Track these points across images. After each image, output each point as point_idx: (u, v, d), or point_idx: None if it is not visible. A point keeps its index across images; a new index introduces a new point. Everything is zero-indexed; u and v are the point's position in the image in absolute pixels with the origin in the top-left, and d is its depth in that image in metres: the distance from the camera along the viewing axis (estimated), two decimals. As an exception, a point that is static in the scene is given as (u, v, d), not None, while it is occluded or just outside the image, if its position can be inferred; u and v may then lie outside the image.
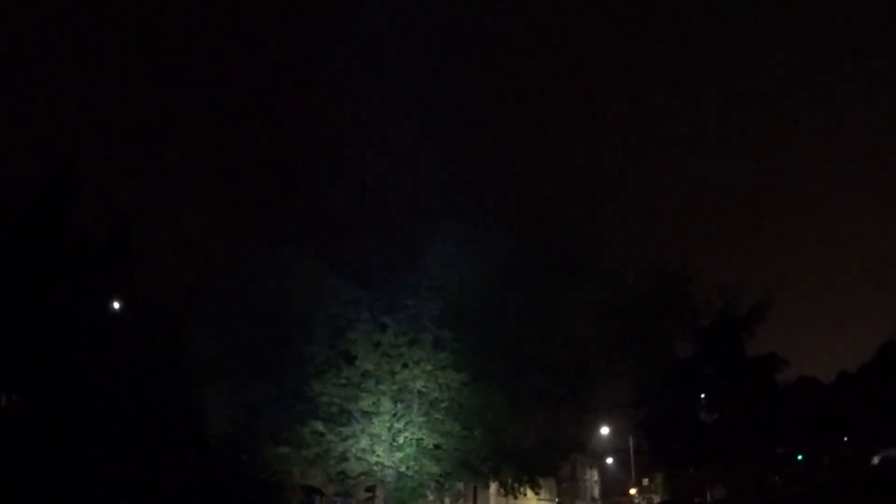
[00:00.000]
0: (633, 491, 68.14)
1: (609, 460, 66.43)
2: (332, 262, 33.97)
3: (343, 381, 32.84)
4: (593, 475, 70.75)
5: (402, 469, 35.73)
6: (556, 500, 62.94)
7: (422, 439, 34.70)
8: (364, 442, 34.06)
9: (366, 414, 33.55)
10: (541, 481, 44.29)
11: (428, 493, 39.81)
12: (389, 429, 33.92)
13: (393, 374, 33.10)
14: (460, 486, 42.11)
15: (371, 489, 43.94)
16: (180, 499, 35.98)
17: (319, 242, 34.60)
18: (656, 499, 63.97)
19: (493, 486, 45.17)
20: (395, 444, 34.39)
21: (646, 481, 68.25)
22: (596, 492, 71.36)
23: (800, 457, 51.82)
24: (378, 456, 35.04)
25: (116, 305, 37.45)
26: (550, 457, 42.98)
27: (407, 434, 34.25)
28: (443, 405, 34.76)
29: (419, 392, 33.83)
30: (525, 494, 44.20)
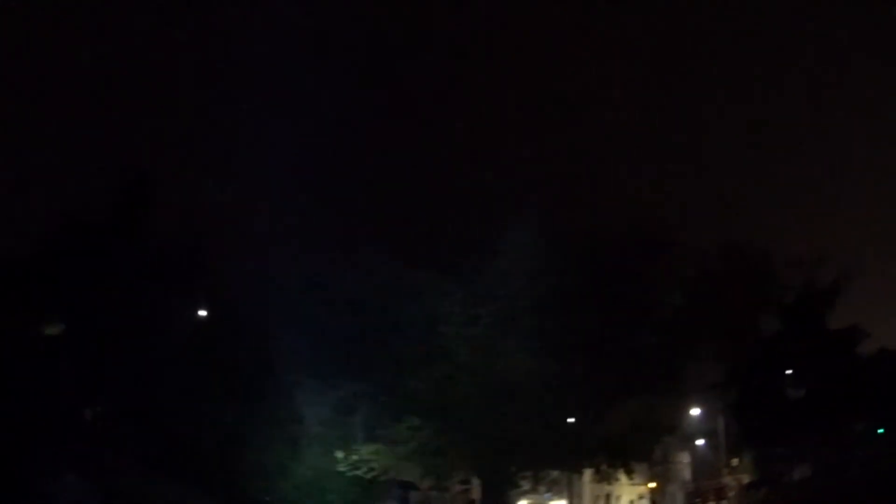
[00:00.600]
0: (723, 472, 67.17)
1: (699, 442, 65.55)
2: (417, 258, 33.77)
3: (437, 375, 32.63)
4: (684, 458, 69.75)
5: (497, 460, 35.71)
6: (650, 483, 62.45)
7: (516, 430, 34.49)
8: (462, 435, 33.99)
9: (461, 407, 33.35)
10: (634, 466, 43.75)
11: (523, 482, 39.69)
12: (485, 420, 33.74)
13: (487, 366, 32.82)
14: (555, 474, 41.82)
15: (466, 482, 44.05)
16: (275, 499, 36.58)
17: (400, 238, 34.57)
18: (745, 479, 62.89)
19: (588, 473, 44.91)
20: (490, 435, 34.24)
21: (735, 462, 67.18)
22: (687, 474, 70.48)
23: (881, 430, 50.41)
24: (473, 449, 35.06)
25: (203, 313, 38.01)
26: (643, 442, 42.26)
27: (504, 426, 34.02)
28: (536, 395, 34.39)
29: (513, 382, 33.47)
30: (619, 479, 43.81)
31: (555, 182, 36.35)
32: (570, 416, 38.28)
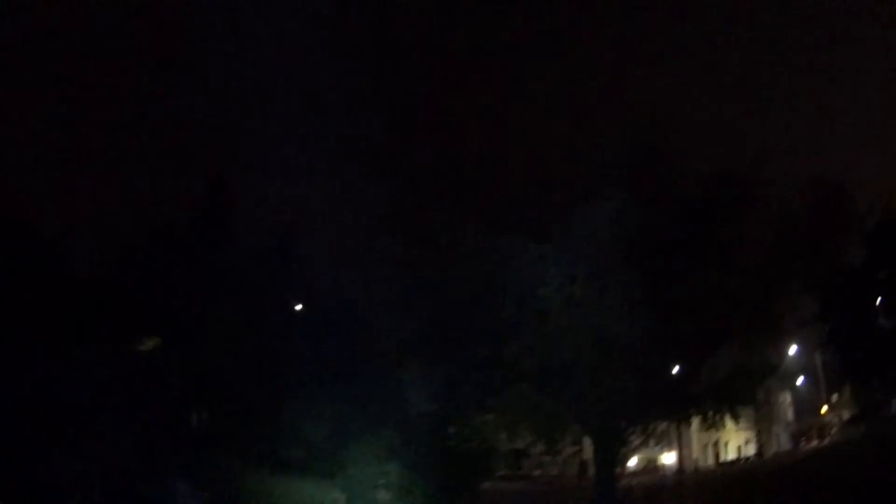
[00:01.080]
0: (824, 409, 66.30)
1: (799, 381, 64.71)
2: (506, 226, 33.82)
3: (540, 339, 32.63)
4: (786, 398, 68.90)
5: (606, 418, 35.65)
6: (755, 427, 61.90)
7: (621, 385, 34.36)
8: (569, 396, 33.99)
9: (566, 368, 33.32)
10: (739, 410, 43.37)
11: (633, 438, 39.54)
12: (592, 379, 33.68)
13: (588, 324, 32.72)
14: (663, 426, 41.53)
15: (576, 443, 44.06)
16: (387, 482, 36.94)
17: (487, 209, 34.65)
18: (846, 415, 61.97)
19: (695, 422, 44.59)
20: (598, 393, 34.17)
21: (835, 398, 66.28)
22: (790, 414, 69.69)
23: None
24: (582, 409, 35.04)
25: (298, 307, 38.53)
26: (746, 384, 41.74)
27: (609, 383, 33.92)
28: (638, 348, 34.21)
29: (615, 338, 33.33)
30: (725, 426, 43.47)
31: (635, 132, 35.54)
32: (674, 366, 38.09)
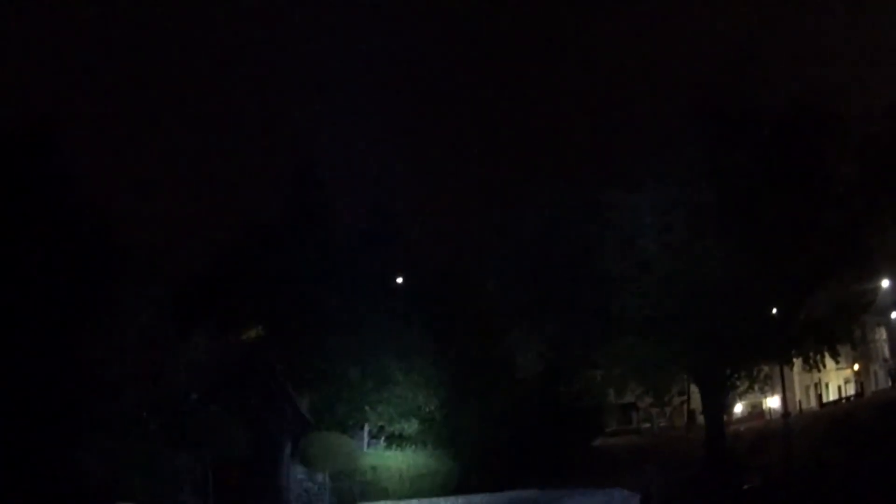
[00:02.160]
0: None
1: (893, 315, 63.93)
2: (600, 179, 34.05)
3: (643, 289, 32.81)
4: (881, 334, 68.16)
5: (712, 364, 35.71)
6: (854, 366, 61.29)
7: (725, 330, 34.35)
8: (675, 345, 34.15)
9: (671, 317, 33.44)
10: (838, 349, 43.08)
11: (738, 383, 39.55)
12: (696, 326, 33.72)
13: (689, 271, 32.80)
14: (766, 369, 41.45)
15: (682, 393, 44.17)
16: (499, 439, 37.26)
17: (580, 163, 34.88)
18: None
19: (797, 365, 44.40)
20: (703, 340, 34.22)
21: (928, 331, 65.31)
22: (886, 351, 68.89)
23: None
24: (689, 357, 35.16)
25: (399, 280, 39.11)
26: (844, 322, 41.44)
27: (713, 329, 33.89)
28: (738, 291, 34.21)
29: (716, 283, 33.36)
30: (825, 366, 43.21)
31: (712, 72, 35.49)
32: (772, 308, 38.04)
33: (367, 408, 36.66)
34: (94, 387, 29.91)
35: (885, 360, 67.46)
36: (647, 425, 54.56)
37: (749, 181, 34.34)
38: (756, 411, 55.93)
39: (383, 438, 37.11)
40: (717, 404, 38.29)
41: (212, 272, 40.28)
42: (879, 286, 51.87)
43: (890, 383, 62.35)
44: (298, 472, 34.62)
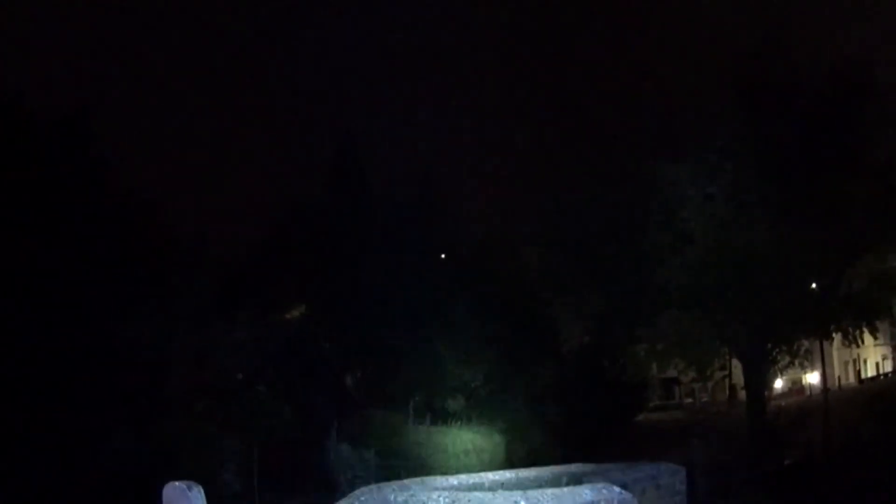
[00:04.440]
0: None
1: (930, 291, 63.65)
2: (642, 151, 34.17)
3: (686, 262, 32.91)
4: (920, 310, 67.89)
5: (754, 339, 35.77)
6: (891, 343, 61.17)
7: (767, 304, 34.42)
8: (717, 319, 34.26)
9: (713, 290, 33.54)
10: (877, 325, 43.02)
11: (779, 357, 39.60)
12: (738, 299, 33.85)
13: (731, 243, 32.89)
14: (806, 344, 41.47)
15: (725, 367, 44.20)
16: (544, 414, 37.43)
17: (621, 136, 34.93)
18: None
19: (836, 340, 44.39)
20: (745, 314, 34.31)
21: (965, 308, 64.94)
22: (924, 328, 68.65)
23: None
24: (731, 331, 35.27)
25: (442, 256, 39.39)
26: (883, 296, 41.33)
27: (755, 302, 34.02)
28: (780, 264, 34.26)
29: (758, 255, 33.44)
30: (863, 343, 43.20)
31: (754, 41, 35.59)
32: (813, 281, 38.03)
33: (412, 384, 36.95)
34: (143, 370, 30.47)
35: (923, 336, 67.49)
36: (690, 400, 54.69)
37: (788, 151, 34.38)
38: (796, 387, 56.01)
39: (429, 415, 37.37)
40: (759, 379, 38.26)
41: (255, 254, 40.79)
42: (918, 261, 51.73)
43: (927, 361, 62.44)
44: (344, 450, 34.75)
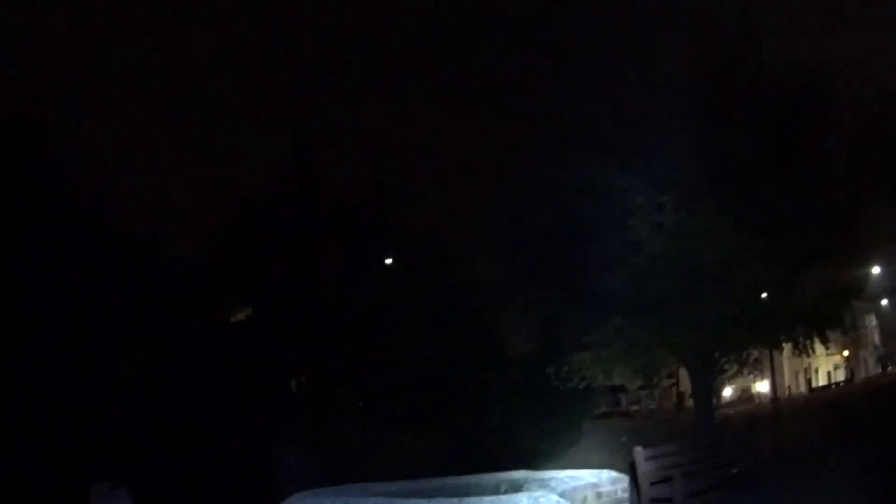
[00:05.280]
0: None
1: (883, 302, 64.22)
2: (589, 158, 33.88)
3: (634, 270, 32.61)
4: (871, 321, 68.48)
5: (702, 347, 35.60)
6: (843, 352, 61.70)
7: (715, 313, 34.27)
8: (664, 327, 33.97)
9: (661, 299, 33.22)
10: (829, 334, 43.10)
11: (727, 366, 39.55)
12: (686, 308, 33.62)
13: (680, 252, 32.63)
14: (755, 353, 41.46)
15: (672, 376, 44.17)
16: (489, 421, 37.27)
17: (570, 142, 34.68)
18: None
19: (786, 349, 44.48)
20: (692, 322, 34.10)
21: (918, 319, 65.56)
22: (876, 338, 69.19)
23: None
24: (678, 340, 35.05)
25: (389, 261, 39.10)
26: (834, 306, 41.50)
27: (704, 310, 33.83)
28: (729, 274, 34.09)
29: (707, 264, 33.23)
30: (814, 352, 43.31)
31: (706, 51, 35.47)
32: (763, 291, 37.94)
33: (359, 389, 36.69)
34: (97, 380, 29.99)
35: (875, 346, 67.97)
36: (636, 408, 54.77)
37: (744, 161, 34.22)
38: (745, 395, 56.26)
39: (376, 420, 37.00)
40: (706, 388, 38.21)
41: (202, 255, 40.23)
42: (870, 272, 52.06)
43: (880, 370, 62.76)
44: (290, 456, 34.44)
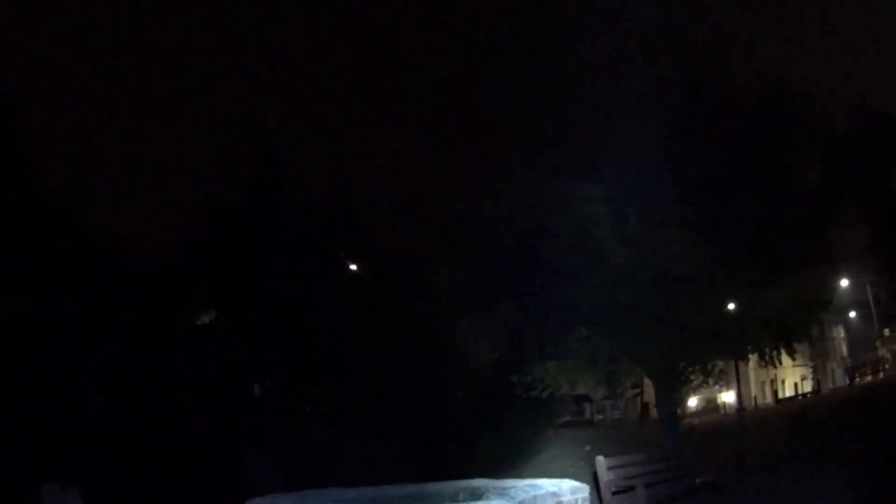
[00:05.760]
0: (877, 343, 66.02)
1: (852, 315, 64.58)
2: (553, 168, 33.78)
3: (598, 281, 32.51)
4: (839, 333, 68.82)
5: (666, 358, 35.59)
6: (810, 363, 61.99)
7: (680, 324, 34.25)
8: (629, 337, 33.93)
9: (625, 309, 33.20)
10: (795, 346, 43.19)
11: (693, 377, 39.56)
12: (650, 318, 33.58)
13: (644, 263, 32.55)
14: (721, 364, 41.51)
15: (636, 386, 44.17)
16: (450, 428, 37.20)
17: (535, 151, 34.58)
18: (898, 349, 61.79)
19: (753, 360, 44.57)
20: (657, 333, 34.08)
21: (886, 332, 65.94)
22: (844, 349, 69.56)
23: None
24: (643, 350, 35.01)
25: (353, 267, 38.97)
26: (802, 319, 41.50)
27: (669, 321, 33.80)
28: (695, 286, 34.05)
29: (672, 276, 33.18)
30: (781, 362, 43.42)
31: (679, 63, 35.37)
32: (729, 303, 37.95)
33: (322, 394, 36.60)
34: (57, 380, 29.84)
35: (842, 358, 68.35)
36: (601, 417, 54.82)
37: (712, 174, 34.17)
38: (711, 406, 56.39)
39: (340, 425, 36.97)
40: (671, 398, 38.19)
41: (167, 258, 40.01)
42: (838, 285, 52.31)
43: (847, 382, 63.04)
44: (251, 460, 34.41)
